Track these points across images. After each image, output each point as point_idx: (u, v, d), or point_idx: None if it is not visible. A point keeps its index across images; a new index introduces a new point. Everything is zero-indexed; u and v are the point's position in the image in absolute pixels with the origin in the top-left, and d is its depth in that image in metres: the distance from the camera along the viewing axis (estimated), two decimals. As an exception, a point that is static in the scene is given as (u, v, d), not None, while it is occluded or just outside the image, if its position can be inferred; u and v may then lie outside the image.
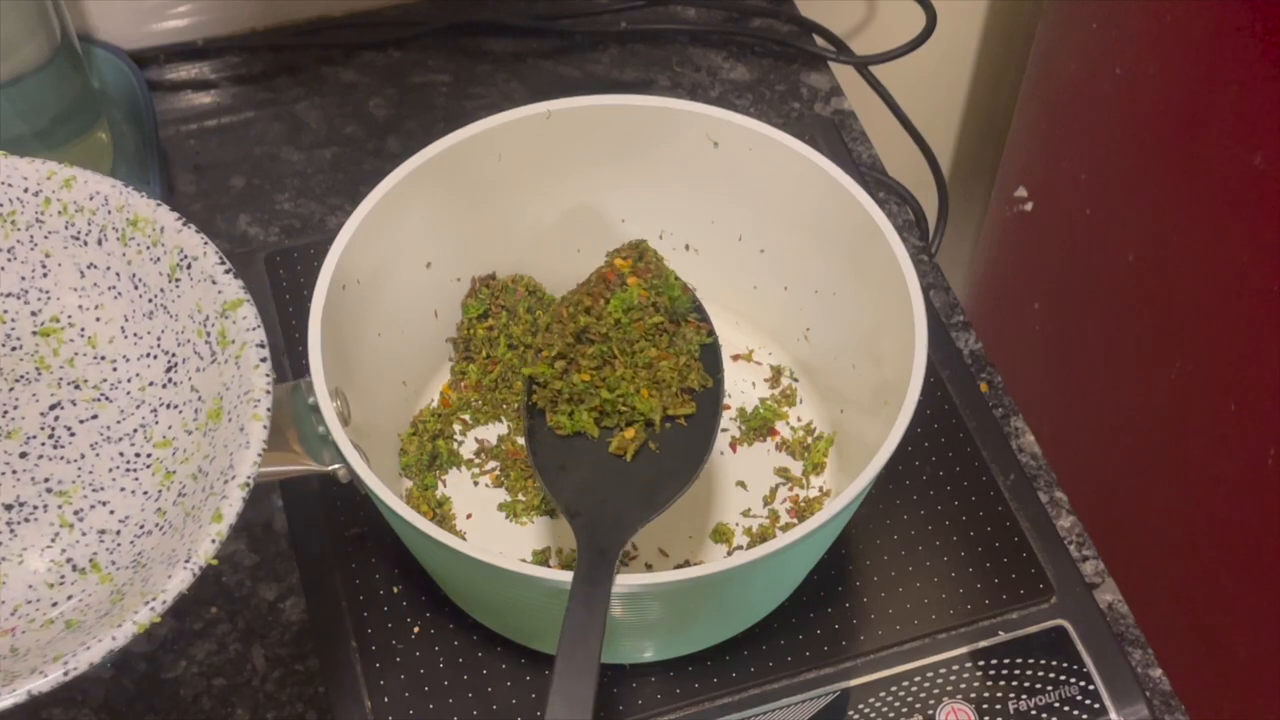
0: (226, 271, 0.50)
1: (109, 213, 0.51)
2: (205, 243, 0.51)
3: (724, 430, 0.71)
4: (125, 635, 0.42)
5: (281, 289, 0.76)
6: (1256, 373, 0.82)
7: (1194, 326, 0.88)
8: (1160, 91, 0.87)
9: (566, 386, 0.58)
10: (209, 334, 0.50)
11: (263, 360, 0.48)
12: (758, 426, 0.70)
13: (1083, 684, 0.64)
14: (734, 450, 0.70)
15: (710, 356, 0.61)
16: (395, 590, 0.66)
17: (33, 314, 0.51)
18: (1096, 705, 0.63)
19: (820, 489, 0.69)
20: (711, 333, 0.62)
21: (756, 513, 0.68)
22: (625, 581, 0.54)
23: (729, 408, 0.71)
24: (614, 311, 0.58)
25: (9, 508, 0.47)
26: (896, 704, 0.63)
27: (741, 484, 0.69)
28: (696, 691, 0.63)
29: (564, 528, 0.67)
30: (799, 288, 0.69)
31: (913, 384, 0.57)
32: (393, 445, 0.69)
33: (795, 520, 0.67)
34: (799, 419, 0.71)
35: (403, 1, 0.93)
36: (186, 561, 0.43)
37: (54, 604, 0.46)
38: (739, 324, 0.74)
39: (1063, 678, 0.64)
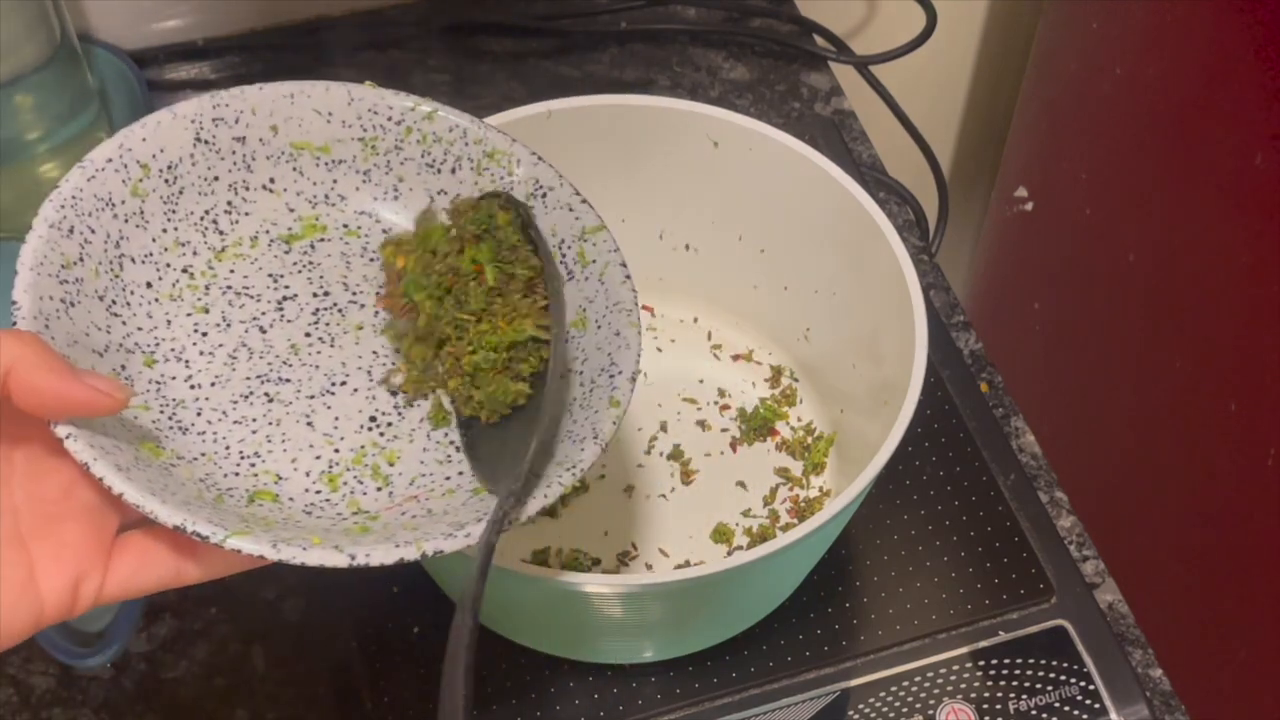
0: (583, 202, 0.54)
1: (466, 144, 0.55)
2: (561, 177, 0.55)
3: (724, 430, 0.71)
4: (554, 494, 0.48)
5: (281, 289, 0.76)
6: (1256, 373, 0.82)
7: (1194, 326, 0.88)
8: (1160, 91, 0.87)
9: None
10: (564, 255, 0.54)
11: (627, 277, 0.53)
12: (758, 426, 0.70)
13: (1083, 684, 0.64)
14: (734, 450, 0.70)
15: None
16: (395, 590, 0.66)
17: (384, 230, 0.55)
18: (1096, 705, 0.63)
19: (820, 489, 0.69)
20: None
21: (756, 513, 0.68)
22: (625, 581, 0.54)
23: (729, 408, 0.71)
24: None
25: (393, 393, 0.52)
26: (896, 704, 0.63)
27: (741, 484, 0.69)
28: (696, 691, 0.63)
29: (564, 527, 0.67)
30: (799, 288, 0.69)
31: (913, 384, 0.57)
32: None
33: (795, 520, 0.67)
34: (799, 419, 0.71)
35: (403, 1, 0.93)
36: (595, 438, 0.49)
37: (446, 478, 0.50)
38: (739, 324, 0.74)
39: (1063, 678, 0.64)
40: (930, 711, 0.63)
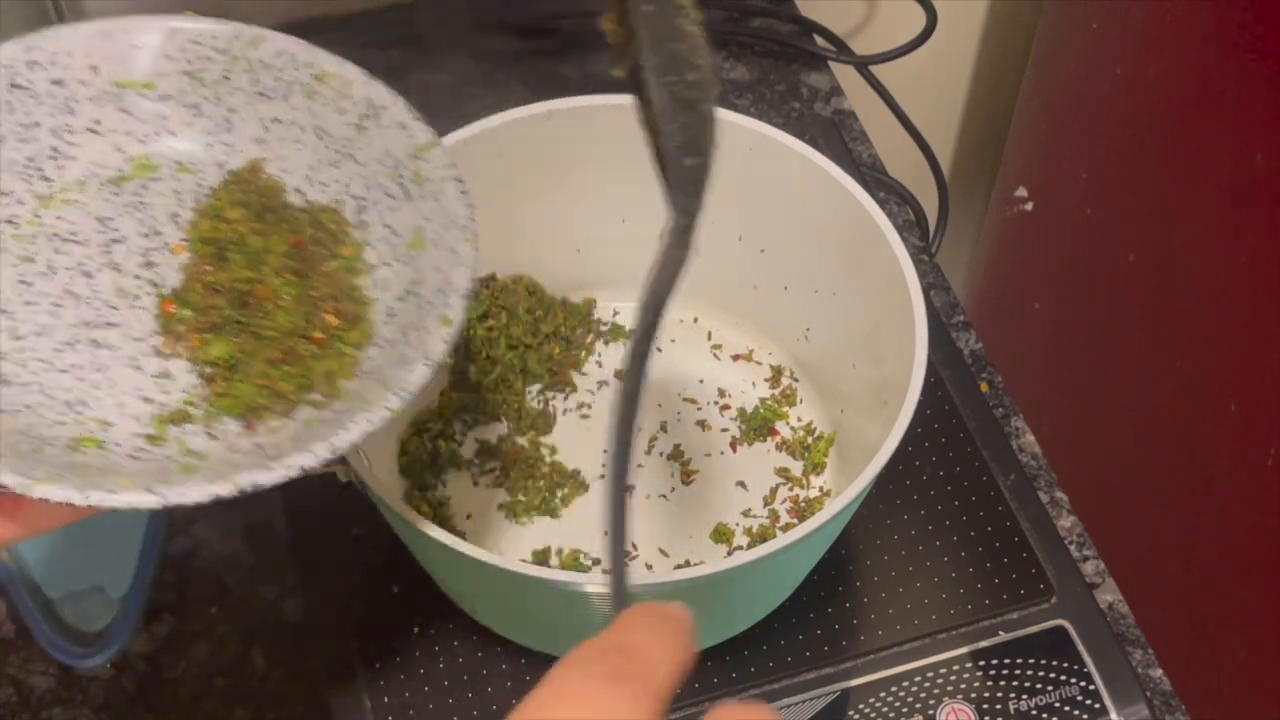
0: (416, 119, 0.54)
1: (295, 69, 0.54)
2: (394, 95, 0.54)
3: (724, 430, 0.71)
4: (380, 419, 0.46)
5: (281, 289, 0.76)
6: (1256, 373, 0.82)
7: (1194, 326, 0.88)
8: (1160, 91, 0.87)
9: None
10: (401, 176, 0.53)
11: (462, 192, 0.52)
12: (758, 426, 0.70)
13: (1083, 684, 0.64)
14: (734, 450, 0.70)
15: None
16: (395, 590, 0.66)
17: (218, 165, 0.54)
18: (1097, 705, 0.63)
19: (820, 489, 0.69)
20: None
21: (756, 513, 0.68)
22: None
23: (729, 408, 0.71)
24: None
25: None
26: (896, 704, 0.63)
27: (741, 484, 0.69)
28: (697, 691, 0.63)
29: (564, 528, 0.67)
30: (799, 288, 0.69)
31: (913, 384, 0.57)
32: (393, 445, 0.69)
33: (795, 520, 0.67)
34: (799, 419, 0.71)
35: (403, 1, 0.93)
36: (425, 360, 0.47)
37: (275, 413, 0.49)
38: (739, 324, 0.74)
39: (1063, 678, 0.64)
40: (930, 711, 0.63)
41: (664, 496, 0.68)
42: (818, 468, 0.69)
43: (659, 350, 0.74)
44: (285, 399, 0.49)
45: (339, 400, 0.49)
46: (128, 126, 0.53)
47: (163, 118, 0.53)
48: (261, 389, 0.49)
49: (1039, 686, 0.64)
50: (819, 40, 0.94)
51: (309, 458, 0.45)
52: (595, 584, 0.55)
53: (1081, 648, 0.65)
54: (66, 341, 0.49)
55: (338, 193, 0.54)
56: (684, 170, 0.43)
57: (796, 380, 0.72)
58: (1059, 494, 0.73)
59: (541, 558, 0.66)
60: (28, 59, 0.51)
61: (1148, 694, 0.65)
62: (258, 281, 0.51)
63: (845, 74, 0.93)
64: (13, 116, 0.51)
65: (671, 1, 0.41)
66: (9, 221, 0.51)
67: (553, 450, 0.70)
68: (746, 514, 0.68)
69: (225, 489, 0.43)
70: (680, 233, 0.43)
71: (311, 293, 0.51)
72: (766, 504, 0.68)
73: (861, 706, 0.63)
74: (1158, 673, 0.68)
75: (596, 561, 0.66)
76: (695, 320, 0.74)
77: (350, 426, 0.46)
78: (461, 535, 0.67)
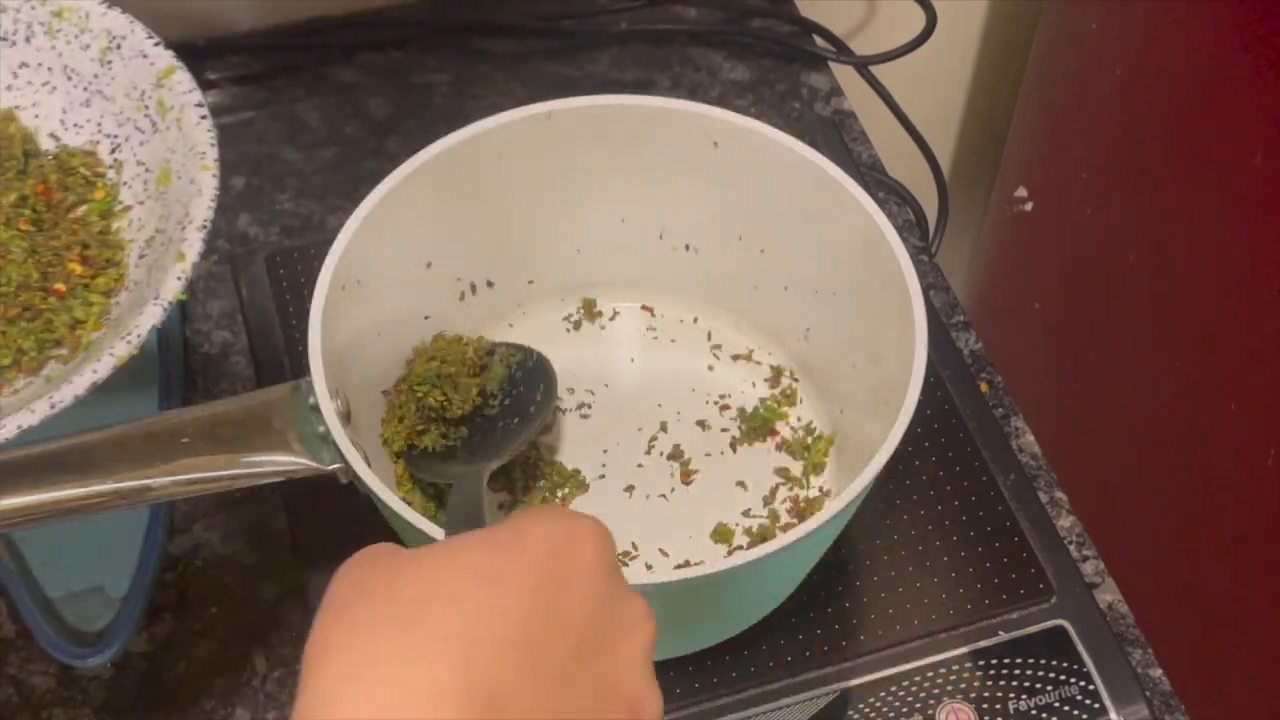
0: (156, 44, 0.51)
1: (32, 9, 0.52)
2: (131, 21, 0.52)
3: (724, 430, 0.71)
4: (106, 368, 0.44)
5: (282, 289, 0.76)
6: (1256, 373, 0.82)
7: (1194, 326, 0.88)
8: (1160, 91, 0.87)
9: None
10: (147, 107, 0.51)
11: (203, 118, 0.49)
12: (758, 426, 0.70)
13: (1083, 684, 0.64)
14: (734, 450, 0.70)
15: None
16: (395, 590, 0.66)
17: None
18: (1096, 705, 0.63)
19: (820, 489, 0.69)
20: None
21: (756, 513, 0.68)
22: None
23: (729, 408, 0.71)
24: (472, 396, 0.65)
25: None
26: (896, 704, 0.63)
27: (741, 484, 0.69)
28: (696, 691, 0.63)
29: (564, 528, 0.67)
30: (799, 288, 0.69)
31: (913, 384, 0.57)
32: (393, 445, 0.68)
33: (795, 520, 0.67)
34: (799, 419, 0.71)
35: (403, 1, 0.93)
36: (155, 299, 0.45)
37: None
38: (739, 324, 0.74)
39: (1063, 678, 0.64)
40: (930, 711, 0.63)
41: (664, 496, 0.68)
42: (818, 468, 0.69)
43: (659, 350, 0.74)
44: (28, 355, 0.47)
45: (84, 353, 0.47)
46: None
47: None
48: (1, 349, 0.47)
49: (1039, 686, 0.64)
50: (819, 40, 0.94)
51: (28, 416, 0.42)
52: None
53: (1081, 648, 0.65)
54: None
55: (91, 133, 0.52)
56: None
57: (796, 380, 0.72)
58: (1059, 494, 0.73)
59: (541, 558, 0.66)
60: None
61: (1147, 694, 0.65)
62: None
63: (845, 74, 0.93)
64: None
65: None
66: None
67: (553, 450, 0.70)
68: (746, 514, 0.68)
69: None
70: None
71: (53, 243, 0.49)
72: (766, 504, 0.68)
73: (861, 706, 0.63)
74: (1158, 673, 0.68)
75: (596, 561, 0.66)
76: (695, 320, 0.74)
77: (75, 379, 0.43)
78: (461, 535, 0.67)
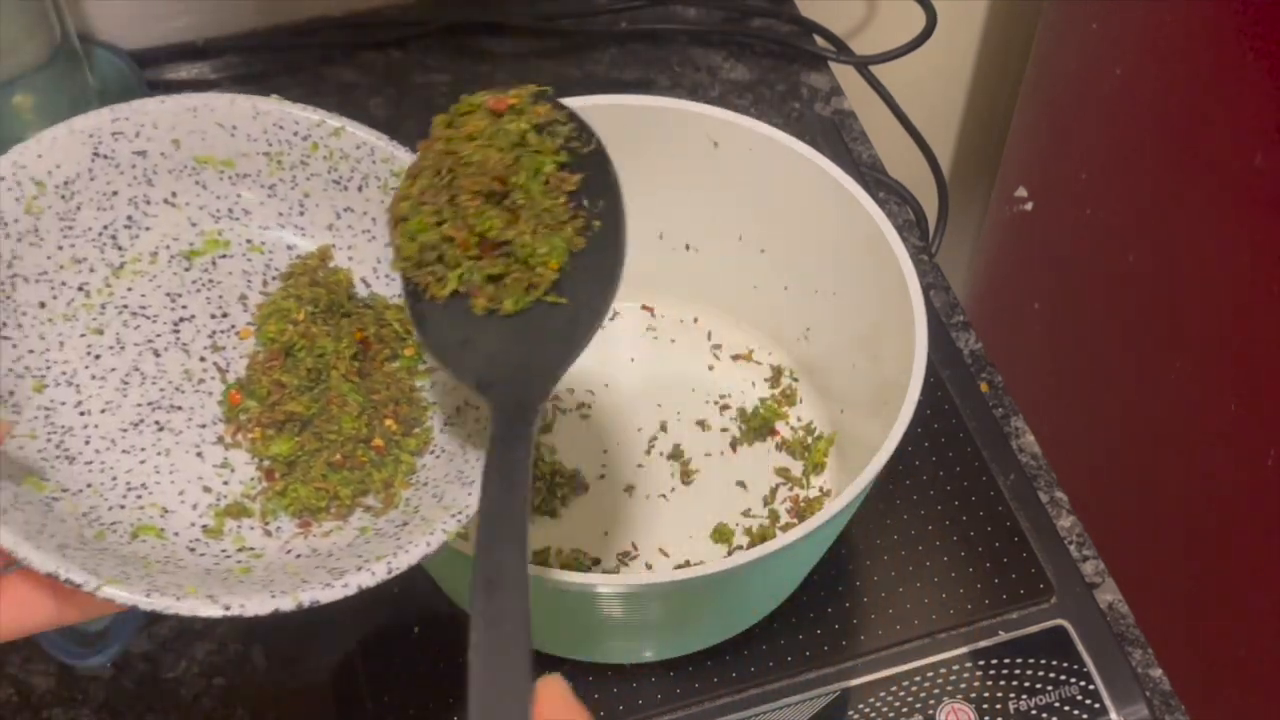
0: None
1: (374, 163, 0.53)
2: None
3: (724, 430, 0.71)
4: (438, 542, 0.46)
5: (281, 289, 0.76)
6: (1256, 373, 0.82)
7: (1194, 326, 0.88)
8: (1160, 91, 0.87)
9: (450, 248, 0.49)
10: None
11: None
12: (758, 426, 0.70)
13: (1083, 684, 0.64)
14: (734, 450, 0.70)
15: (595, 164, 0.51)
16: (395, 591, 0.66)
17: (288, 248, 0.54)
18: (1096, 705, 0.63)
19: (820, 489, 0.69)
20: (589, 138, 0.51)
21: (756, 513, 0.68)
22: (625, 581, 0.54)
23: (729, 408, 0.71)
24: (524, 184, 0.49)
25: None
26: (896, 704, 0.63)
27: (741, 484, 0.69)
28: (696, 691, 0.63)
29: (564, 528, 0.67)
30: (799, 288, 0.69)
31: (913, 384, 0.57)
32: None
33: (795, 520, 0.67)
34: (799, 419, 0.71)
35: (403, 1, 0.93)
36: (474, 483, 0.46)
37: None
38: (739, 324, 0.74)
39: (1063, 678, 0.64)
40: (930, 711, 0.63)
41: (664, 496, 0.68)
42: (818, 468, 0.69)
43: (659, 350, 0.74)
44: (341, 503, 0.49)
45: (394, 509, 0.49)
46: (203, 201, 0.53)
47: (238, 196, 0.54)
48: (319, 491, 0.49)
49: (1039, 686, 0.64)
50: (819, 40, 0.94)
51: (368, 577, 0.44)
52: (595, 584, 0.55)
53: (1081, 648, 0.65)
54: (132, 421, 0.49)
55: (400, 289, 0.53)
56: None
57: (796, 380, 0.72)
58: (1059, 494, 0.73)
59: (541, 558, 0.66)
60: (113, 129, 0.51)
61: (1147, 694, 0.65)
62: (324, 384, 0.50)
63: (845, 74, 0.93)
64: (93, 185, 0.51)
65: None
66: (80, 289, 0.51)
67: (552, 450, 0.70)
68: (746, 514, 0.68)
69: (286, 604, 0.43)
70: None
71: (374, 396, 0.51)
72: (766, 504, 0.68)
73: (861, 706, 0.63)
74: (1158, 673, 0.68)
75: (596, 561, 0.66)
76: (695, 320, 0.74)
77: (410, 549, 0.45)
78: (461, 535, 0.67)
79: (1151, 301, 0.92)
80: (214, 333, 0.52)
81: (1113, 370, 0.99)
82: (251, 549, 0.47)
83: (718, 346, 0.74)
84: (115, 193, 0.51)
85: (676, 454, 0.70)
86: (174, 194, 0.53)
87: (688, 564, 0.66)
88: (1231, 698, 0.92)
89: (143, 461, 0.48)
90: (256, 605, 0.43)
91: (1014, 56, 1.13)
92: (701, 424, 0.71)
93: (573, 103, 0.65)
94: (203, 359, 0.51)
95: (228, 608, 0.42)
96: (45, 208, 0.49)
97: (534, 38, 0.92)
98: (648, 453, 0.70)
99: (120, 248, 0.52)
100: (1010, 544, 0.68)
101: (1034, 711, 0.63)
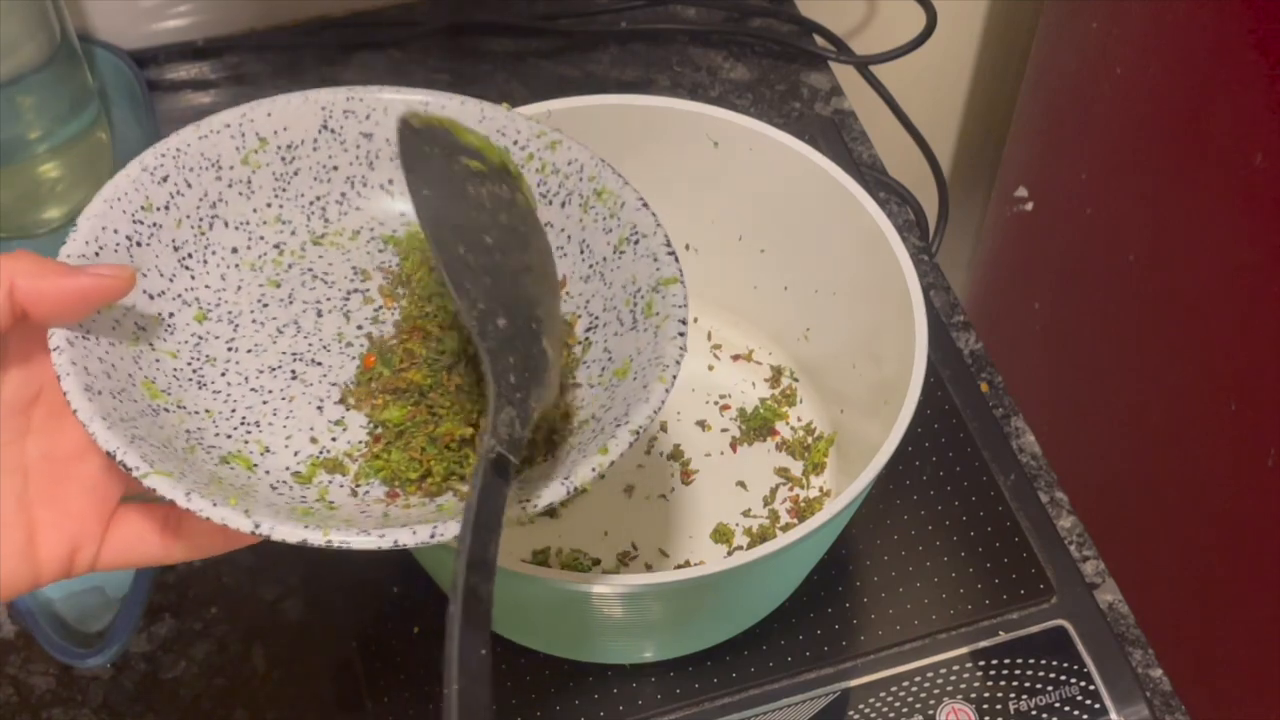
0: (670, 253, 0.52)
1: (580, 180, 0.54)
2: (658, 225, 0.53)
3: (724, 430, 0.71)
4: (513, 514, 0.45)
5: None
6: (1256, 373, 0.82)
7: (1194, 326, 0.88)
8: (1160, 91, 0.87)
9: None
10: (636, 305, 0.52)
11: (680, 334, 0.50)
12: (758, 426, 0.70)
13: (1083, 684, 0.64)
14: (734, 450, 0.70)
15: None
16: (395, 590, 0.66)
17: None
18: (1097, 705, 0.63)
19: (820, 489, 0.69)
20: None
21: (756, 513, 0.68)
22: (625, 581, 0.54)
23: (729, 408, 0.71)
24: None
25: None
26: (896, 704, 0.63)
27: (741, 484, 0.69)
28: (696, 691, 0.63)
29: (564, 527, 0.67)
30: (799, 288, 0.69)
31: (913, 384, 0.57)
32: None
33: (795, 520, 0.67)
34: (799, 419, 0.71)
35: (403, 1, 0.93)
36: (565, 479, 0.46)
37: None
38: (739, 324, 0.74)
39: (1063, 678, 0.64)
40: (930, 711, 0.63)
41: (664, 496, 0.68)
42: (818, 468, 0.69)
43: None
44: (434, 479, 0.49)
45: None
46: None
47: None
48: (414, 461, 0.49)
49: (1039, 686, 0.64)
50: (819, 40, 0.94)
51: (408, 535, 0.43)
52: (595, 584, 0.55)
53: (1081, 648, 0.65)
54: (271, 365, 0.50)
55: (577, 306, 0.54)
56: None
57: (796, 380, 0.72)
58: (1059, 494, 0.73)
59: (541, 558, 0.66)
60: (346, 107, 0.53)
61: (1148, 694, 0.65)
62: (457, 364, 0.50)
63: (845, 74, 0.93)
64: (315, 155, 0.53)
65: None
66: (276, 247, 0.52)
67: (553, 450, 0.70)
68: (746, 514, 0.68)
69: (316, 537, 0.43)
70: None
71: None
72: (766, 504, 0.68)
73: (861, 706, 0.63)
74: (1158, 673, 0.68)
75: (596, 561, 0.66)
76: (695, 320, 0.74)
77: (451, 522, 0.44)
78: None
79: (1152, 301, 0.92)
80: (379, 308, 0.53)
81: (1113, 370, 0.99)
82: (331, 502, 0.47)
83: (718, 346, 0.74)
84: (335, 168, 0.53)
85: (676, 454, 0.70)
86: (390, 181, 0.54)
87: (688, 564, 0.66)
88: (1231, 698, 0.91)
89: (265, 402, 0.49)
90: (286, 531, 0.43)
91: (1014, 56, 1.13)
92: (701, 424, 0.71)
93: (572, 102, 0.65)
94: (359, 327, 0.52)
95: (258, 525, 0.42)
96: (263, 164, 0.52)
97: (534, 38, 0.92)
98: (647, 453, 0.70)
99: (327, 220, 0.54)
100: (1010, 544, 0.68)
101: (1034, 712, 0.63)
